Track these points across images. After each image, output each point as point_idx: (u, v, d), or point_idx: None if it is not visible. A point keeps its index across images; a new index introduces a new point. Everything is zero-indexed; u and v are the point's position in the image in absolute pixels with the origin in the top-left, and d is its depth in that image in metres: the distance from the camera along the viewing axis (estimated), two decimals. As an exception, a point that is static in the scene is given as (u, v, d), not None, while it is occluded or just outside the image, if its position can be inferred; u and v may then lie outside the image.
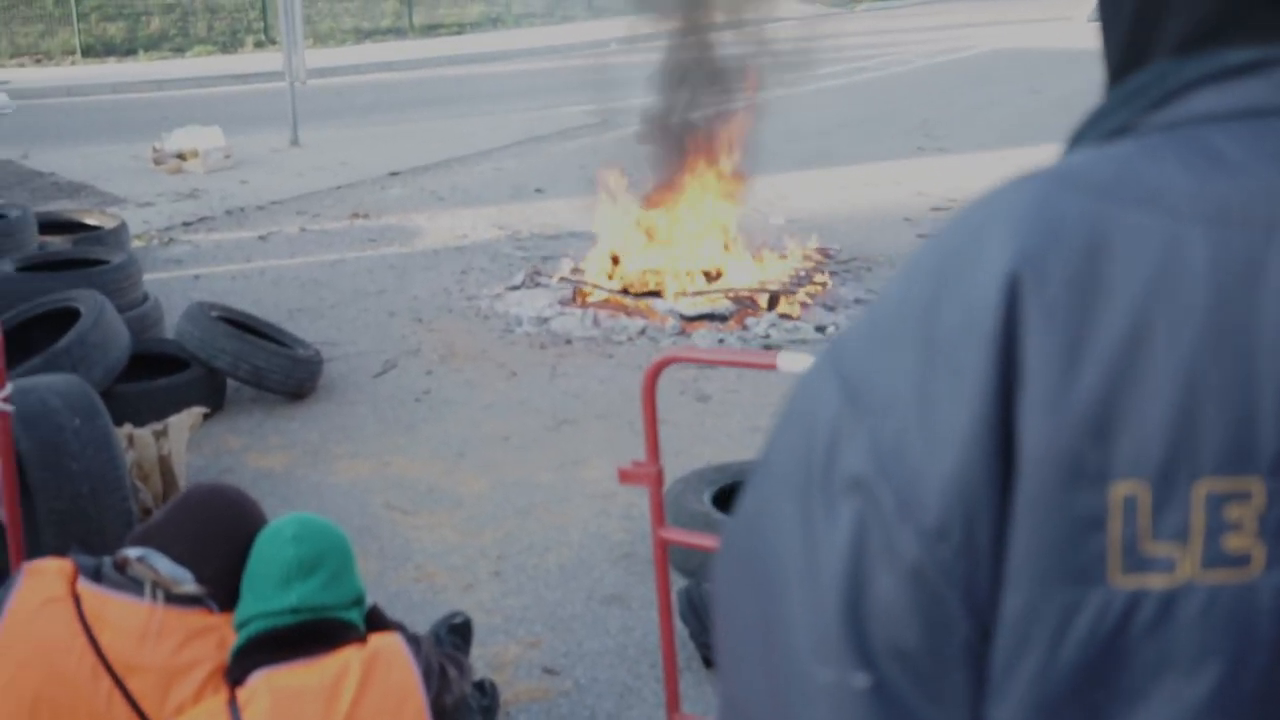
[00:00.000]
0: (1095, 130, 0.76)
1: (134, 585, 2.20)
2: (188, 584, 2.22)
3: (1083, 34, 16.65)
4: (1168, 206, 0.66)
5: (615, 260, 6.49)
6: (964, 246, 0.70)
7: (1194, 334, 0.65)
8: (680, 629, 3.21)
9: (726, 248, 6.52)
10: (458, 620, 3.13)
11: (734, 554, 0.78)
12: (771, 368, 2.36)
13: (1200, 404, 0.64)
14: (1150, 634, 0.65)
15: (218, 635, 2.23)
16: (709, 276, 6.33)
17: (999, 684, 0.69)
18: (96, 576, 2.22)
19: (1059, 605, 0.66)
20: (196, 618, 2.22)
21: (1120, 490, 0.65)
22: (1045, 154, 0.82)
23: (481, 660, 3.20)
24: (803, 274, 6.45)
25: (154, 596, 2.18)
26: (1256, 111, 0.68)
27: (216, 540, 2.26)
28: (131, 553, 2.22)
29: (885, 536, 0.68)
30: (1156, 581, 0.65)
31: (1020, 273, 0.67)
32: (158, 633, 2.16)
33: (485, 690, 2.87)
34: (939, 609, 0.68)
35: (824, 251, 6.98)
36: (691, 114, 6.56)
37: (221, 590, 2.26)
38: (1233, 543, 0.64)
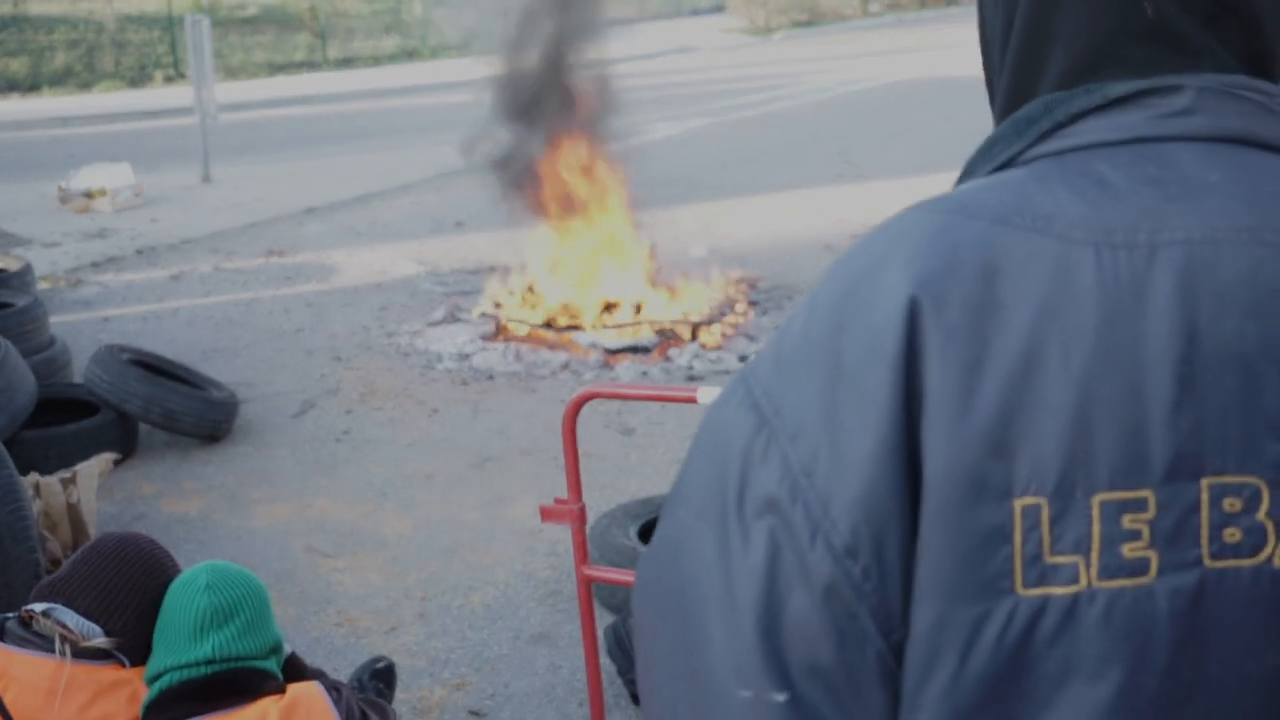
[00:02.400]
0: (988, 160, 0.79)
1: (40, 640, 2.12)
2: (97, 638, 2.15)
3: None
4: (1058, 231, 0.69)
5: (535, 293, 6.48)
6: (865, 274, 0.73)
7: (1085, 352, 0.67)
8: (608, 666, 3.19)
9: (649, 280, 6.55)
10: (381, 665, 3.07)
11: (653, 581, 0.79)
12: (692, 401, 2.37)
13: (1093, 418, 0.67)
14: (1055, 642, 0.67)
15: (129, 689, 2.16)
16: (630, 309, 6.35)
17: (912, 698, 0.70)
18: (0, 633, 2.13)
19: (968, 617, 0.68)
20: (107, 672, 2.15)
21: (1022, 505, 0.67)
22: (962, 180, 0.84)
23: (407, 704, 3.15)
24: (725, 304, 6.51)
25: (62, 652, 2.11)
26: (1138, 139, 0.73)
27: (126, 591, 2.20)
28: (37, 607, 2.15)
29: (798, 557, 0.70)
30: (1059, 591, 0.67)
31: (919, 298, 0.70)
32: (66, 689, 2.09)
33: (410, 736, 2.82)
34: (852, 625, 0.70)
35: (746, 281, 7.05)
36: (594, 144, 6.59)
37: (133, 643, 2.19)
38: (1130, 551, 0.67)
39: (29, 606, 2.18)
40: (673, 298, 6.48)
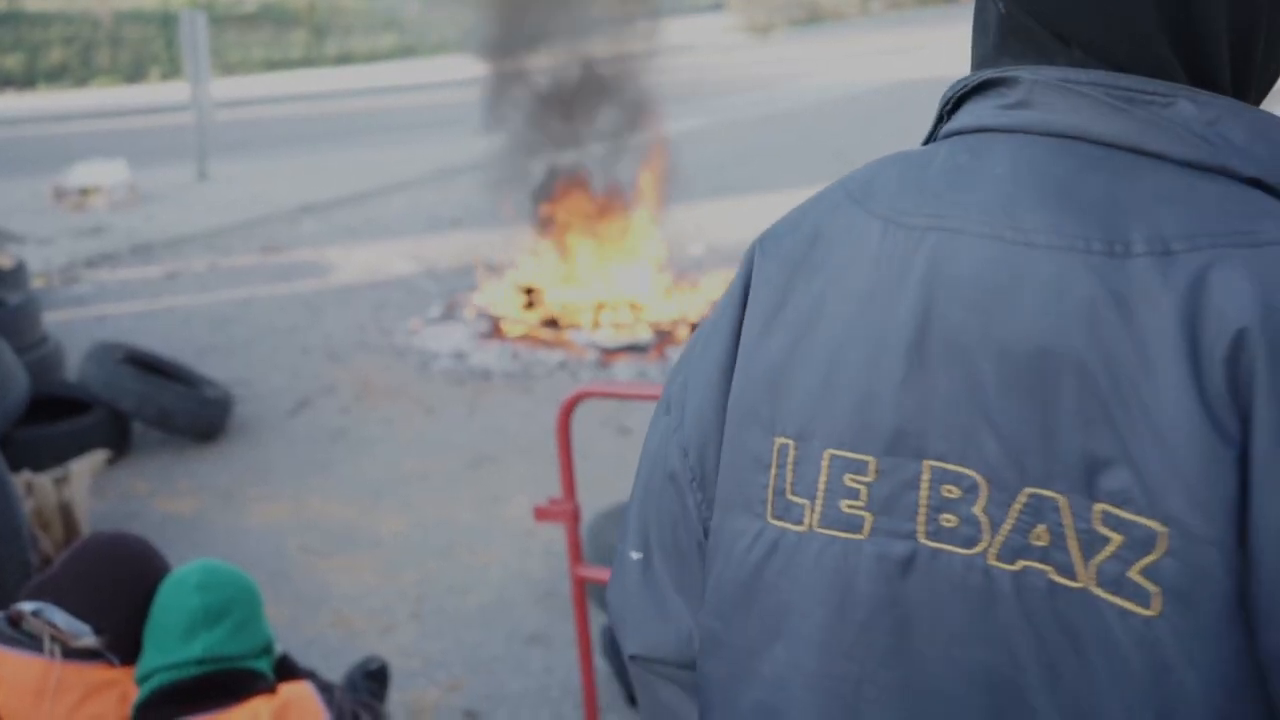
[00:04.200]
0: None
1: (29, 641, 2.10)
2: (87, 637, 2.13)
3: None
4: (869, 206, 0.75)
5: (533, 292, 6.46)
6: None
7: (846, 317, 0.73)
8: (603, 667, 3.17)
9: (647, 279, 6.53)
10: (374, 666, 3.05)
11: None
12: (688, 401, 2.36)
13: (838, 379, 0.73)
14: (783, 573, 0.75)
15: (119, 690, 2.14)
16: (629, 308, 6.33)
17: (705, 588, 0.81)
18: (-13, 634, 2.11)
19: (730, 528, 0.78)
20: (96, 672, 2.13)
21: (779, 442, 0.75)
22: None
23: (401, 705, 3.13)
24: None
25: (51, 652, 2.09)
26: (982, 128, 0.75)
27: (117, 591, 2.18)
28: (26, 606, 2.12)
29: (666, 446, 0.85)
30: (792, 528, 0.74)
31: (756, 250, 0.80)
32: (55, 689, 2.07)
33: (404, 737, 2.80)
34: (684, 513, 0.83)
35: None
36: (603, 144, 6.59)
37: (122, 643, 2.17)
38: (847, 507, 0.72)
39: (18, 606, 2.16)
40: (671, 296, 6.46)
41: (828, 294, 0.74)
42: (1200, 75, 0.70)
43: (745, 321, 0.78)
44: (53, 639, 2.10)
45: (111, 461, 4.54)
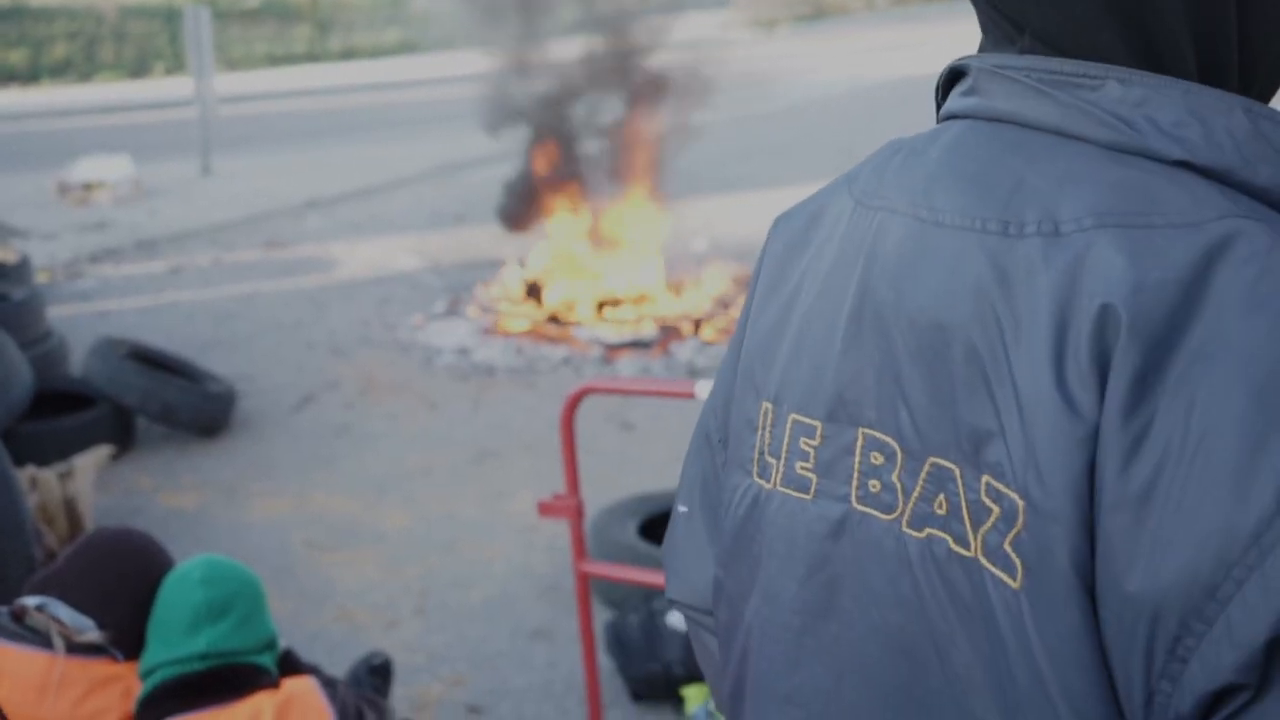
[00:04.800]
0: None
1: (33, 635, 2.10)
2: (91, 632, 2.12)
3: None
4: (852, 189, 0.80)
5: (536, 287, 6.46)
6: None
7: (815, 292, 0.78)
8: (606, 662, 3.17)
9: (650, 274, 6.53)
10: (378, 661, 3.05)
11: None
12: (689, 396, 2.35)
13: (802, 349, 0.78)
14: (757, 528, 0.80)
15: (123, 685, 2.14)
16: (632, 303, 6.32)
17: None
18: (-8, 628, 2.11)
19: (729, 484, 0.84)
20: (100, 667, 2.13)
21: (765, 406, 0.81)
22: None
23: (405, 700, 3.13)
24: (727, 299, 6.48)
25: (55, 647, 2.09)
26: (947, 115, 0.78)
27: (120, 586, 2.18)
28: (30, 601, 2.12)
29: (702, 416, 0.92)
30: (765, 485, 0.80)
31: (771, 231, 0.87)
32: (59, 684, 2.07)
33: (408, 732, 2.80)
34: (714, 470, 0.90)
35: (748, 276, 7.03)
36: (608, 139, 6.58)
37: (126, 638, 2.17)
38: (800, 469, 0.77)
39: (22, 600, 2.16)
40: (674, 292, 6.46)
41: (807, 270, 0.80)
42: (1158, 62, 0.69)
43: (753, 295, 0.86)
44: (58, 634, 2.10)
45: (115, 456, 4.54)
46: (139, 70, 18.48)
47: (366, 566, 3.90)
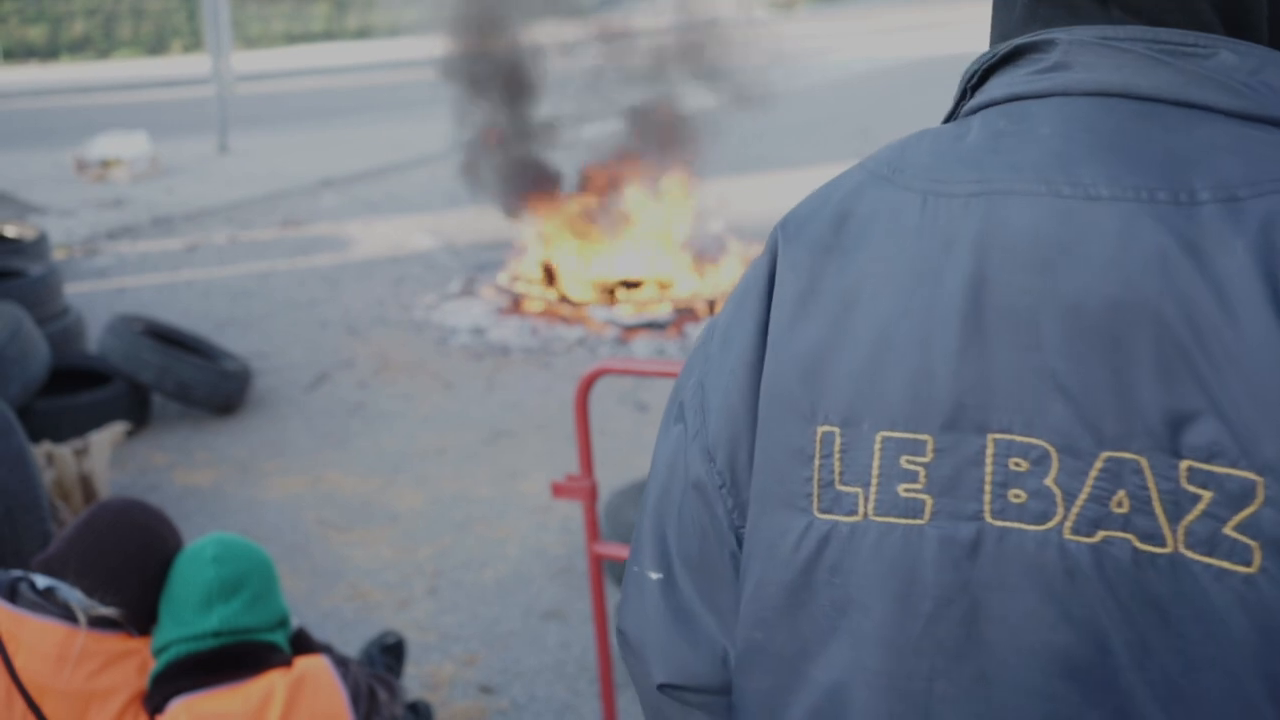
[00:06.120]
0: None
1: (52, 606, 2.11)
2: (106, 608, 2.13)
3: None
4: (902, 181, 0.72)
5: (552, 268, 6.44)
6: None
7: (891, 294, 0.70)
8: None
9: (667, 254, 6.50)
10: (390, 640, 3.06)
11: None
12: (707, 378, 2.33)
13: (887, 358, 0.69)
14: (837, 569, 0.70)
15: (138, 659, 2.15)
16: (648, 284, 6.30)
17: (741, 598, 0.76)
18: (12, 596, 2.12)
19: (772, 526, 0.73)
20: (116, 641, 2.13)
21: (822, 431, 0.71)
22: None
23: (417, 680, 3.13)
24: (740, 281, 6.45)
25: (78, 620, 2.09)
26: (1015, 96, 0.72)
27: (126, 568, 2.17)
28: (40, 582, 2.13)
29: (685, 455, 0.79)
30: (844, 519, 0.70)
31: (779, 235, 0.76)
32: (76, 656, 2.08)
33: (419, 711, 2.80)
34: (712, 523, 0.78)
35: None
36: (629, 118, 6.55)
37: (136, 615, 2.17)
38: (905, 491, 0.68)
39: (32, 577, 2.16)
40: (690, 273, 6.43)
41: (866, 273, 0.71)
42: (1239, 28, 0.69)
43: (773, 311, 0.74)
44: (80, 608, 2.11)
45: (131, 433, 4.56)
46: (157, 48, 18.50)
47: (380, 545, 3.90)
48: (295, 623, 2.35)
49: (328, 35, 20.54)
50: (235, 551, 2.20)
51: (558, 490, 2.52)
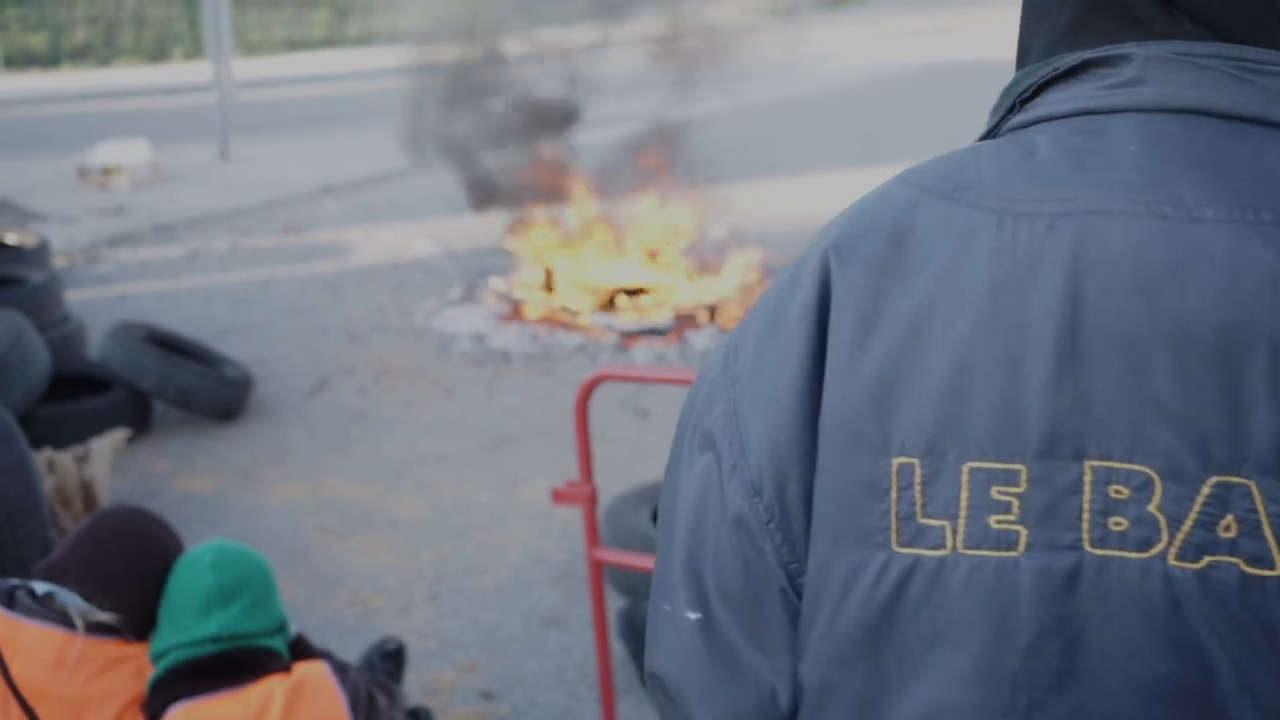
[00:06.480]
0: (986, 130, 0.79)
1: (49, 612, 2.11)
2: (103, 613, 2.13)
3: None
4: (968, 199, 0.69)
5: (552, 275, 6.44)
6: (820, 234, 0.77)
7: (969, 317, 0.67)
8: (619, 649, 3.16)
9: (667, 262, 6.50)
10: (391, 646, 3.05)
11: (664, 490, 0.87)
12: (707, 384, 2.33)
13: (970, 385, 0.66)
14: (923, 603, 0.68)
15: (135, 665, 2.15)
16: (647, 291, 6.30)
17: (803, 639, 0.73)
18: (10, 603, 2.12)
19: (845, 563, 0.70)
20: (113, 647, 2.13)
21: (898, 463, 0.68)
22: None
23: (417, 686, 3.13)
24: (744, 286, 6.45)
25: (75, 626, 2.09)
26: (1082, 111, 0.70)
27: (126, 573, 2.17)
28: (39, 588, 2.13)
29: (721, 489, 0.75)
30: (928, 553, 0.68)
31: (830, 256, 0.72)
32: (73, 662, 2.08)
33: (420, 717, 2.80)
34: (758, 558, 0.74)
35: (765, 263, 6.99)
36: (629, 126, 6.55)
37: (136, 621, 2.17)
38: (997, 522, 0.66)
39: (30, 584, 2.17)
40: (691, 279, 6.43)
41: (937, 296, 0.68)
42: None
43: (830, 337, 0.71)
44: (77, 613, 2.11)
45: (132, 440, 4.56)
46: (158, 55, 18.54)
47: (380, 552, 3.90)
48: (294, 629, 2.35)
49: (329, 42, 20.57)
50: (233, 557, 2.20)
51: (558, 496, 2.52)
